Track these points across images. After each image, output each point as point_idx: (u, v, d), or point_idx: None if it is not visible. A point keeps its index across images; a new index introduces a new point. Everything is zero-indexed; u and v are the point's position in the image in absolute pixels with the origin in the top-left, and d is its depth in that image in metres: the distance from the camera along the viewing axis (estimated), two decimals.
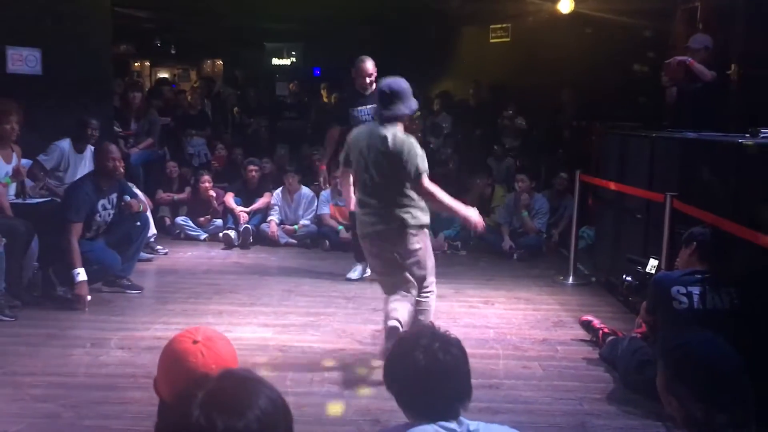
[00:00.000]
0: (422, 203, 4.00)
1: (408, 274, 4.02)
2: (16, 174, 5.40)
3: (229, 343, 1.88)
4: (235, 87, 12.19)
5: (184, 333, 1.86)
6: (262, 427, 1.15)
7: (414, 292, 4.02)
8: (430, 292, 4.15)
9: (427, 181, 3.89)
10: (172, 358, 1.82)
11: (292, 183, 7.72)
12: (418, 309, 4.04)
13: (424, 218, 4.01)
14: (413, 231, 3.95)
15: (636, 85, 8.48)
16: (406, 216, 3.92)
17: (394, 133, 3.93)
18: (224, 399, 1.17)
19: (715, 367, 1.84)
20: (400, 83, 4.05)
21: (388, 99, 4.00)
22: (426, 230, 4.09)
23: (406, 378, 1.94)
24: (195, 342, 1.81)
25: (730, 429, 1.80)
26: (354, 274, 6.20)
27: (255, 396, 1.19)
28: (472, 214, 4.03)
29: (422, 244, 4.03)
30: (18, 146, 5.60)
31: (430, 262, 4.16)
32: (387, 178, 3.94)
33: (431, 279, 4.15)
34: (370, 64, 5.94)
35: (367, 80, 5.87)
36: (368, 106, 5.79)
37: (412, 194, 3.94)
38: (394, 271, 4.03)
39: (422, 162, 3.88)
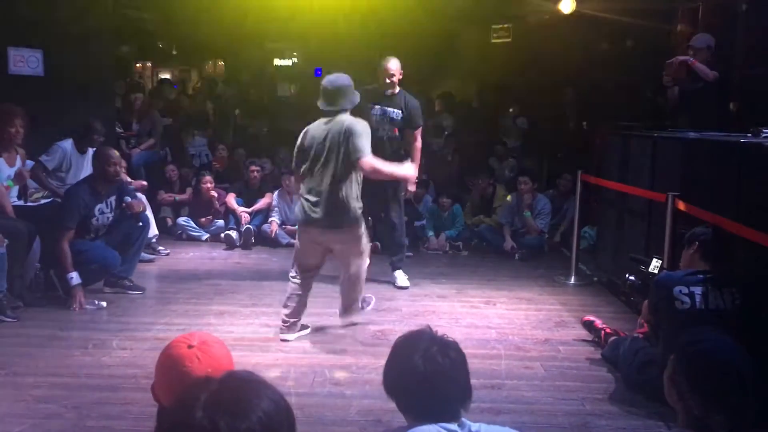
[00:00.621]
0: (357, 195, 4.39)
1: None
2: (19, 177, 5.41)
3: (225, 346, 1.89)
4: (238, 88, 12.18)
5: (179, 338, 1.87)
6: (265, 428, 1.15)
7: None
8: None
9: (368, 160, 4.28)
10: (168, 363, 1.83)
11: (289, 184, 7.71)
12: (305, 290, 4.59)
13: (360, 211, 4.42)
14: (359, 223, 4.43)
15: (637, 85, 8.48)
16: (354, 209, 4.35)
17: (348, 118, 4.34)
18: (227, 401, 1.17)
19: (725, 371, 1.83)
20: (343, 79, 4.41)
21: (331, 95, 4.35)
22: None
23: (406, 383, 1.93)
24: (190, 347, 1.82)
25: (724, 430, 1.80)
26: None
27: (258, 398, 1.19)
28: (409, 170, 4.76)
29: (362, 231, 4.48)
30: (23, 149, 5.61)
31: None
32: (343, 168, 4.29)
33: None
34: (392, 64, 5.71)
35: (387, 81, 5.70)
36: (379, 106, 5.73)
37: (355, 187, 4.36)
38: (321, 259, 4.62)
39: (366, 143, 4.29)
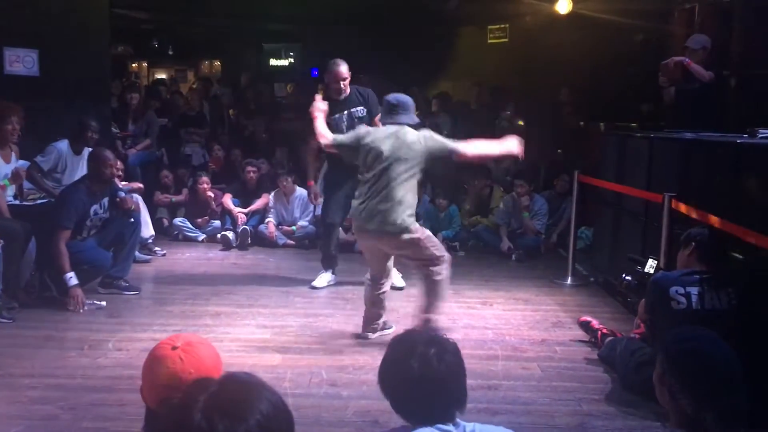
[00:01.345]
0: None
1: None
2: (15, 177, 5.39)
3: (212, 348, 1.88)
4: (235, 88, 12.15)
5: (165, 340, 1.88)
6: (263, 431, 1.15)
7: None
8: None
9: (462, 148, 4.42)
10: (152, 364, 1.84)
11: (286, 185, 7.70)
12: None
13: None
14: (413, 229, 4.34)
15: (634, 86, 8.49)
16: (404, 217, 4.27)
17: (412, 130, 4.38)
18: (226, 403, 1.17)
19: (715, 368, 1.83)
20: (405, 98, 4.51)
21: (392, 108, 4.43)
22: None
23: (401, 385, 1.92)
24: (174, 348, 1.82)
25: (717, 429, 1.79)
26: (321, 281, 5.93)
27: (257, 400, 1.19)
28: (511, 146, 4.44)
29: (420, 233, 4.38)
30: (16, 147, 5.59)
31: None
32: (403, 178, 4.30)
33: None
34: (344, 68, 5.58)
35: (341, 84, 5.55)
36: (344, 113, 5.60)
37: (411, 198, 4.34)
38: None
39: (446, 139, 4.47)
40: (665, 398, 1.89)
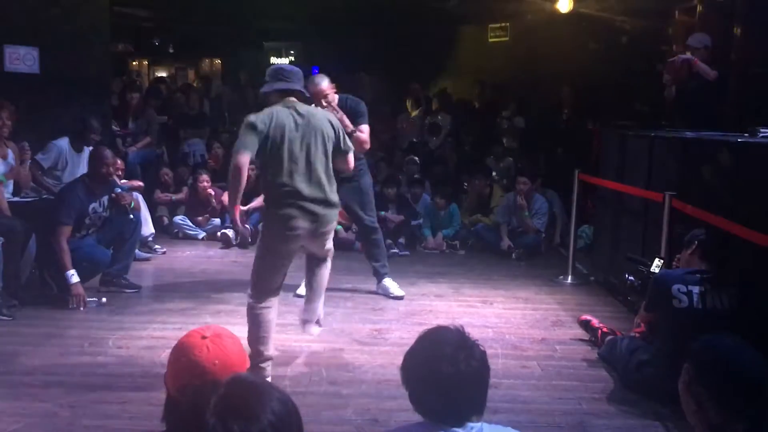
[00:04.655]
0: None
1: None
2: (13, 171, 5.38)
3: (239, 343, 1.92)
4: (236, 87, 12.15)
5: (196, 329, 1.93)
6: (275, 429, 1.16)
7: None
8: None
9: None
10: (179, 351, 1.89)
11: None
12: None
13: None
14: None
15: (634, 85, 8.49)
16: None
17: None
18: (237, 404, 1.19)
19: (746, 377, 1.78)
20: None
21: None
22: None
23: (425, 382, 1.91)
24: (203, 337, 1.87)
25: None
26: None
27: (267, 399, 1.21)
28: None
29: None
30: (13, 144, 5.58)
31: None
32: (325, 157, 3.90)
33: None
34: (323, 86, 5.05)
35: (323, 102, 5.01)
36: None
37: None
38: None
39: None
40: (691, 408, 1.83)
